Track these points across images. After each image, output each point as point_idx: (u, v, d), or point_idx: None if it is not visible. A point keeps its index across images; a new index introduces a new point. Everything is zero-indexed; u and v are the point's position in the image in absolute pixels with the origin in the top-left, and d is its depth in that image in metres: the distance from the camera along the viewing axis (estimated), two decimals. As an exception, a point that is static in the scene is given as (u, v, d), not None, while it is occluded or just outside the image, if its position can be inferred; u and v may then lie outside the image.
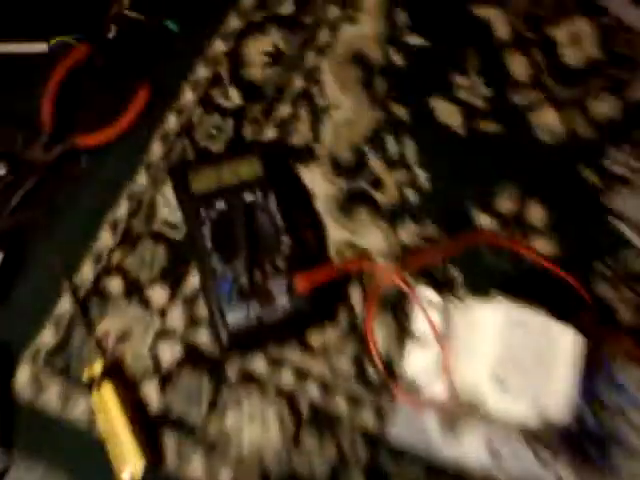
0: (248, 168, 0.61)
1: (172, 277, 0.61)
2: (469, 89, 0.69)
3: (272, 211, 0.59)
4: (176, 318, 0.59)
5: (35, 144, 0.63)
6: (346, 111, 0.67)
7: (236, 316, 0.56)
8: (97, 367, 0.56)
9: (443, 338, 0.57)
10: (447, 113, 0.68)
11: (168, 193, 0.63)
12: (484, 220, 0.64)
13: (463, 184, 0.65)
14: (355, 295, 0.61)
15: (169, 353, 0.58)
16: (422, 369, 0.57)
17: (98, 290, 0.60)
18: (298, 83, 0.68)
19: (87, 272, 0.61)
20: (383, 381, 0.57)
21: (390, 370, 0.58)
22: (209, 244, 0.57)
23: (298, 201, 0.64)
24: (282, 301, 0.56)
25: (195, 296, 0.60)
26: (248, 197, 0.59)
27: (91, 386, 0.56)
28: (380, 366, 0.58)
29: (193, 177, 0.60)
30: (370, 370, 0.58)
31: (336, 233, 0.63)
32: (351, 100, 0.68)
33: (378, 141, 0.66)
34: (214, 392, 0.57)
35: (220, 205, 0.59)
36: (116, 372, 0.57)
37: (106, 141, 0.64)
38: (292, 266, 0.58)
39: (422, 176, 0.65)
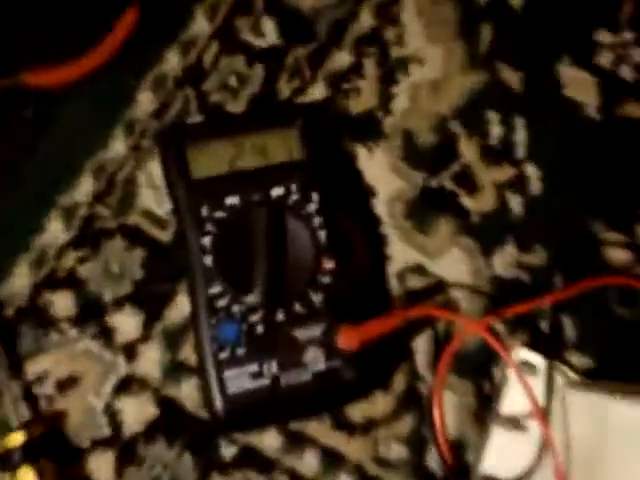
0: (280, 145, 0.42)
1: (150, 299, 0.43)
2: (616, 52, 0.49)
3: (311, 217, 0.41)
4: (150, 361, 0.42)
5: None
6: (432, 68, 0.48)
7: (241, 377, 0.38)
8: (17, 437, 0.38)
9: (547, 425, 0.40)
10: (579, 86, 0.48)
11: (156, 170, 0.45)
12: (615, 252, 0.46)
13: (592, 194, 0.46)
14: (420, 348, 0.43)
15: (136, 413, 0.41)
16: (509, 465, 0.41)
17: (35, 309, 0.43)
18: (365, 20, 0.49)
19: (20, 280, 0.43)
20: (449, 476, 0.41)
21: (461, 461, 0.42)
22: (210, 260, 0.39)
23: (351, 201, 0.45)
24: (314, 360, 0.39)
25: (182, 331, 0.42)
26: (276, 192, 0.41)
27: (5, 464, 0.38)
28: (447, 454, 0.41)
29: (194, 152, 0.41)
30: (432, 458, 0.42)
31: (401, 251, 0.45)
32: (441, 52, 0.48)
33: (474, 117, 0.47)
34: (200, 476, 0.41)
35: (232, 200, 0.40)
36: (52, 438, 0.40)
37: (68, 82, 0.45)
38: (334, 304, 0.40)
39: (534, 176, 0.46)
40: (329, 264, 0.40)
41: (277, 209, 0.41)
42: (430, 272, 0.45)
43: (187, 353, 0.42)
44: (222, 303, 0.39)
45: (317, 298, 0.40)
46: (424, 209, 0.46)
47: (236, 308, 0.39)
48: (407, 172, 0.46)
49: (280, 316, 0.39)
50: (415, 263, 0.45)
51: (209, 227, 0.40)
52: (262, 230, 0.40)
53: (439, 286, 0.45)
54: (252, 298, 0.39)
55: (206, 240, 0.40)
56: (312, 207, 0.41)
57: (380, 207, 0.46)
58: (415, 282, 0.45)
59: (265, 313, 0.39)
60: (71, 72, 0.46)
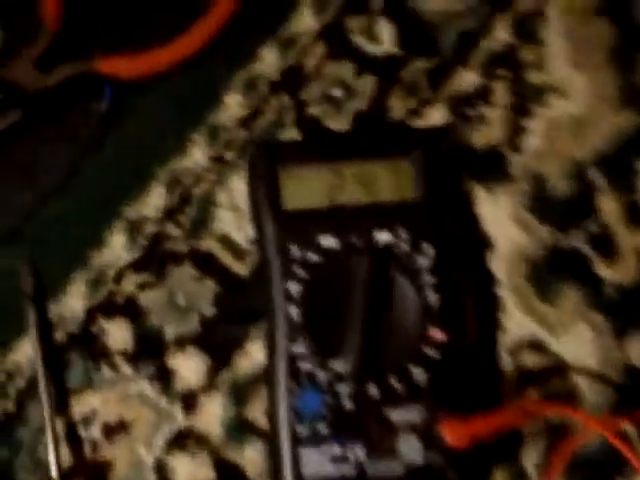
0: (391, 180, 0.36)
1: (219, 342, 0.37)
2: None
3: (422, 273, 0.35)
4: (212, 416, 0.37)
5: (24, 54, 0.39)
6: (576, 101, 0.41)
7: (320, 458, 0.33)
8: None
9: None
10: None
11: (239, 187, 0.39)
12: None
13: None
14: (528, 442, 0.36)
15: (190, 474, 0.36)
16: None
17: (88, 337, 0.38)
18: (500, 36, 0.42)
19: (74, 301, 0.38)
20: None
21: None
22: (296, 312, 0.34)
23: (464, 254, 0.39)
24: (410, 450, 0.33)
25: (252, 384, 0.37)
26: (382, 237, 0.35)
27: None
28: None
29: (288, 177, 0.36)
30: None
31: (517, 320, 0.38)
32: (588, 83, 0.41)
33: (621, 167, 0.40)
34: None
35: (328, 242, 0.35)
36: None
37: (147, 74, 0.40)
38: (439, 385, 0.34)
39: (688, 247, 0.42)
40: (439, 335, 0.35)
41: (381, 259, 0.35)
42: (549, 350, 0.38)
43: (256, 411, 0.37)
44: (306, 366, 0.34)
45: (420, 375, 0.34)
46: (549, 272, 0.39)
47: (322, 375, 0.34)
48: (533, 225, 0.40)
49: (373, 391, 0.34)
50: (532, 337, 0.38)
51: (298, 271, 0.35)
52: (361, 283, 0.34)
53: (559, 369, 0.38)
54: (341, 365, 0.34)
55: (293, 286, 0.35)
56: (424, 261, 0.35)
57: (496, 264, 0.39)
58: (530, 360, 0.38)
59: (355, 385, 0.34)
60: (152, 62, 0.40)
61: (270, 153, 0.37)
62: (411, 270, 0.35)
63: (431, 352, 0.34)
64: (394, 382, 0.34)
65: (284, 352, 0.34)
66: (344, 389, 0.34)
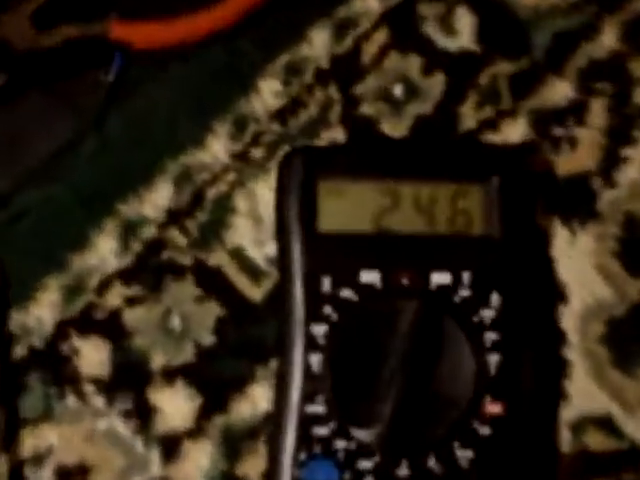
0: (458, 209, 0.31)
1: (215, 379, 0.32)
2: None
3: (484, 329, 0.29)
4: (196, 467, 0.32)
5: (19, 6, 0.33)
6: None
7: None
8: None
9: None
10: None
11: (263, 193, 0.34)
12: None
13: None
14: None
15: None
16: None
17: (54, 356, 0.33)
18: (605, 41, 0.36)
19: (43, 311, 0.33)
20: None
21: None
22: (318, 361, 0.29)
23: (533, 309, 0.33)
24: None
25: (249, 436, 0.32)
26: (438, 278, 0.30)
27: None
28: None
29: (328, 191, 0.30)
30: None
31: (586, 390, 0.33)
32: None
33: None
34: None
35: (371, 278, 0.29)
36: None
37: (167, 45, 0.34)
38: (484, 469, 0.28)
39: None
40: (495, 408, 0.29)
41: (434, 306, 0.29)
42: (622, 431, 0.33)
43: (250, 468, 0.32)
44: (322, 431, 0.28)
45: (465, 455, 0.29)
46: (632, 337, 0.34)
47: (340, 444, 0.28)
48: (619, 276, 0.34)
49: (403, 471, 0.28)
50: (602, 413, 0.33)
51: (327, 310, 0.29)
52: (404, 333, 0.29)
53: (633, 455, 0.33)
54: (368, 435, 0.28)
55: (318, 328, 0.29)
56: (487, 314, 0.29)
57: (567, 320, 0.33)
58: (596, 440, 0.33)
59: (382, 461, 0.28)
60: (175, 32, 0.34)
61: (308, 160, 0.31)
62: (470, 323, 0.29)
63: (482, 429, 0.29)
64: (432, 462, 0.28)
65: (296, 409, 0.29)
66: (367, 465, 0.28)
